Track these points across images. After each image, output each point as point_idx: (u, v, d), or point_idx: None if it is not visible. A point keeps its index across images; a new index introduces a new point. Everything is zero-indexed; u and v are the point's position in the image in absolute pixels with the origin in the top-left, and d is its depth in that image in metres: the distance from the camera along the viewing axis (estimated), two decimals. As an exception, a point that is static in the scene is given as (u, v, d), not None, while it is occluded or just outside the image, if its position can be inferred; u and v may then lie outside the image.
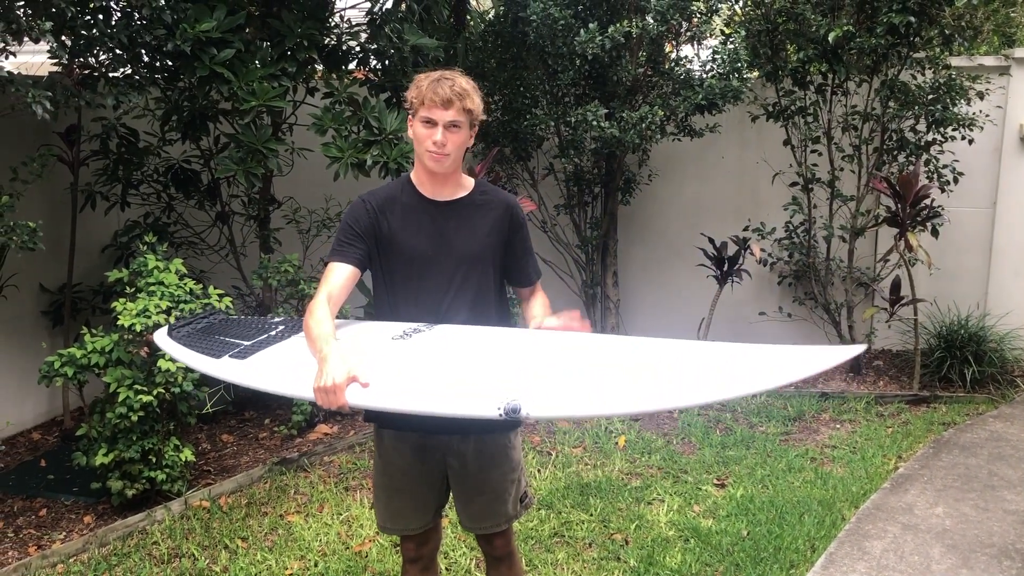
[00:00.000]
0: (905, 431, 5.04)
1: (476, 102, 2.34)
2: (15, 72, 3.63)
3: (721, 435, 4.98)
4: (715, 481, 4.37)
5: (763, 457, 4.66)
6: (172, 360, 3.82)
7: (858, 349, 2.23)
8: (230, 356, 2.40)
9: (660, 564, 3.53)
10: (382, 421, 2.51)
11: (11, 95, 3.54)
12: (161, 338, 2.66)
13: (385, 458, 2.54)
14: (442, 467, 2.50)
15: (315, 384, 2.09)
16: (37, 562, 3.56)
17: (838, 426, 5.18)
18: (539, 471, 4.47)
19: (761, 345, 2.23)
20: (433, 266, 2.39)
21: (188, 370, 3.94)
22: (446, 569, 3.51)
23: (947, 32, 5.58)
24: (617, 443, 4.85)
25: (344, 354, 2.14)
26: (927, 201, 5.50)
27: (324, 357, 2.14)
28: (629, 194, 6.36)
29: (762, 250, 6.03)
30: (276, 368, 2.34)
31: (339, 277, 2.38)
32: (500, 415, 1.91)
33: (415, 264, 2.40)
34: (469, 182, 2.48)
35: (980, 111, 5.71)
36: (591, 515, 3.98)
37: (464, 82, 2.34)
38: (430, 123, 2.30)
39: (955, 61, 5.86)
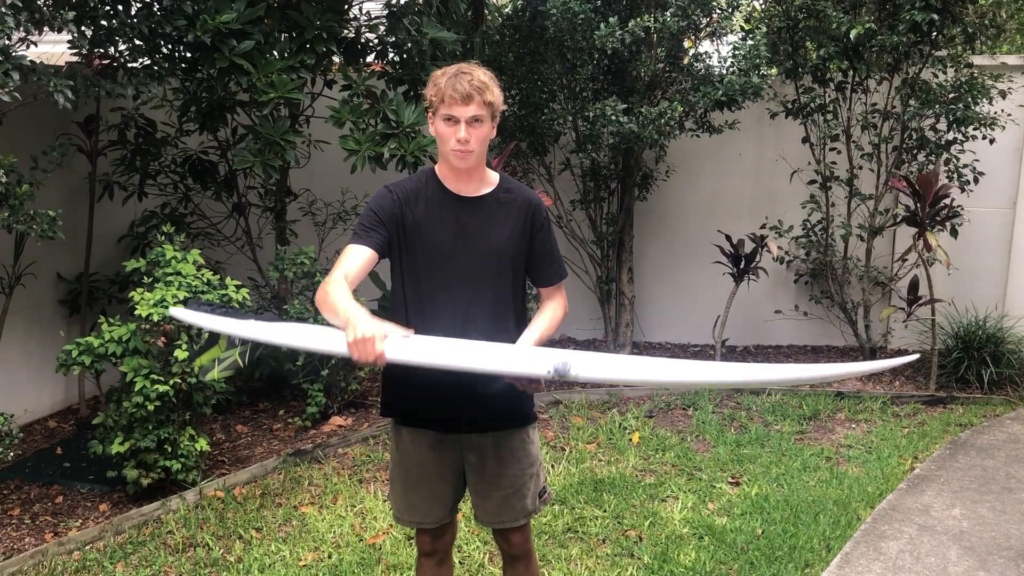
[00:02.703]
0: (921, 432, 5.00)
1: (496, 94, 2.31)
2: (37, 62, 3.64)
3: (736, 433, 4.96)
4: (730, 479, 4.35)
5: (778, 456, 4.64)
6: (188, 344, 3.84)
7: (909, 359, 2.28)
8: (255, 320, 2.45)
9: (674, 561, 3.52)
10: (399, 418, 2.51)
11: (33, 84, 3.55)
12: (178, 310, 2.67)
13: (402, 451, 2.53)
14: (459, 462, 2.50)
15: (349, 338, 2.05)
16: (54, 549, 3.59)
17: (853, 426, 5.15)
18: (553, 467, 4.47)
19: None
20: (456, 262, 2.36)
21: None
22: (459, 563, 3.50)
23: (970, 30, 5.53)
24: (631, 440, 4.84)
25: (369, 316, 2.12)
26: (946, 201, 5.46)
27: (350, 315, 2.09)
28: (646, 190, 6.33)
29: (779, 248, 6.00)
30: (301, 331, 2.41)
31: (357, 259, 2.31)
32: (550, 373, 2.05)
33: (438, 258, 2.37)
34: (493, 177, 2.45)
35: (1002, 110, 5.66)
36: (605, 511, 3.97)
37: (482, 74, 2.30)
38: (452, 120, 2.27)
39: (977, 60, 5.81)
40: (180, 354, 3.83)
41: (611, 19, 5.17)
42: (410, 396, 2.44)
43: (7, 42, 3.36)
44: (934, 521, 3.84)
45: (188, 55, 4.56)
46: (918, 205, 5.41)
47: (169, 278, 4.00)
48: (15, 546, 3.69)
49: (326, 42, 4.58)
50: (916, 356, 2.31)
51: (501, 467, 2.46)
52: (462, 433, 2.44)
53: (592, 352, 2.31)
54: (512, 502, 2.50)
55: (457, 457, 2.49)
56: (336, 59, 5.03)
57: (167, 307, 3.84)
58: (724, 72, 5.62)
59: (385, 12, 4.96)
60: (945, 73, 5.65)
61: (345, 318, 2.11)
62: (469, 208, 2.39)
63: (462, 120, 2.26)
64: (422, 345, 2.12)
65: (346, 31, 4.91)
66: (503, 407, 2.41)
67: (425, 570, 2.64)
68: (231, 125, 5.11)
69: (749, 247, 5.92)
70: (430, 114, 2.35)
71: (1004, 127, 5.67)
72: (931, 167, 5.66)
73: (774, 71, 6.03)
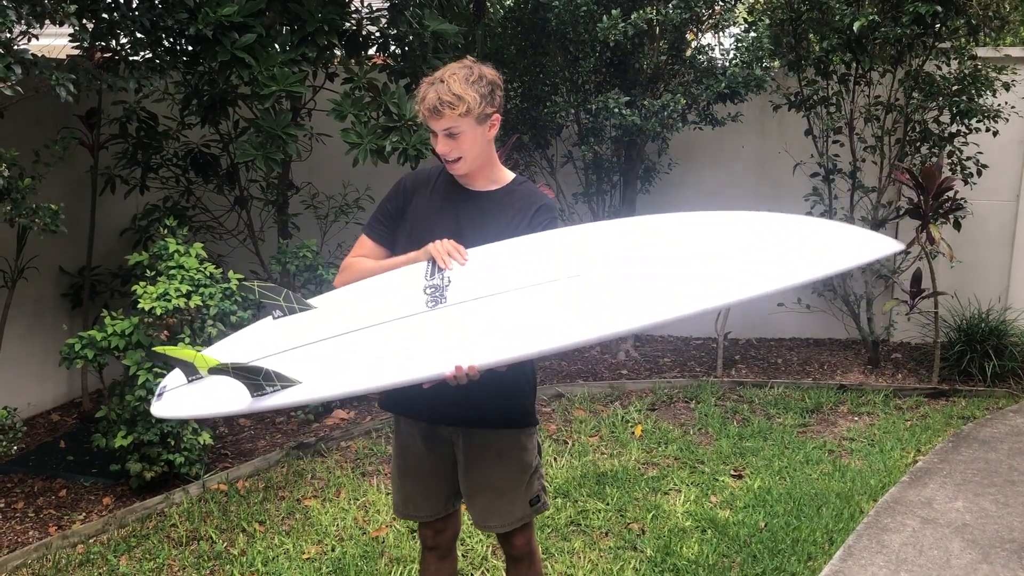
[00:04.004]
0: (924, 425, 5.00)
1: (470, 103, 2.19)
2: (38, 55, 3.63)
3: (738, 426, 4.97)
4: (732, 472, 4.36)
5: (780, 449, 4.64)
6: (191, 337, 3.84)
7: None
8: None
9: (677, 554, 3.52)
10: (396, 407, 2.50)
11: (35, 78, 3.55)
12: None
13: (400, 442, 2.54)
14: (452, 458, 2.48)
15: (436, 252, 2.21)
16: (58, 542, 3.60)
17: (856, 419, 5.15)
18: (555, 460, 4.47)
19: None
20: None
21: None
22: (462, 556, 3.51)
23: (973, 22, 5.50)
24: (634, 432, 4.84)
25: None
26: (950, 193, 5.45)
27: (412, 255, 2.28)
28: (649, 183, 6.32)
29: (782, 241, 5.97)
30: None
31: (366, 251, 2.44)
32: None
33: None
34: (505, 177, 2.40)
35: (1006, 103, 5.64)
36: (608, 504, 3.98)
37: (458, 84, 2.18)
38: (432, 132, 2.26)
39: (981, 52, 5.78)
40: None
41: (613, 11, 5.15)
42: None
43: (9, 35, 3.35)
44: (937, 514, 3.84)
45: (190, 48, 4.55)
46: (921, 198, 5.40)
47: (172, 272, 4.00)
48: (19, 539, 3.71)
49: (327, 35, 4.57)
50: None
51: (486, 469, 2.42)
52: (451, 427, 2.42)
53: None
54: (497, 506, 2.45)
55: (450, 452, 2.47)
56: (337, 52, 5.01)
57: (170, 300, 3.84)
58: (727, 64, 5.60)
59: (387, 5, 4.94)
60: (949, 65, 5.63)
61: (406, 259, 2.30)
62: (469, 203, 2.37)
63: (438, 133, 2.24)
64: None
65: (347, 24, 4.89)
66: (490, 406, 2.35)
67: (428, 564, 2.65)
68: (233, 118, 5.09)
69: (752, 240, 5.90)
70: None
71: (1008, 119, 5.65)
72: (934, 159, 5.64)
73: (777, 63, 6.02)
